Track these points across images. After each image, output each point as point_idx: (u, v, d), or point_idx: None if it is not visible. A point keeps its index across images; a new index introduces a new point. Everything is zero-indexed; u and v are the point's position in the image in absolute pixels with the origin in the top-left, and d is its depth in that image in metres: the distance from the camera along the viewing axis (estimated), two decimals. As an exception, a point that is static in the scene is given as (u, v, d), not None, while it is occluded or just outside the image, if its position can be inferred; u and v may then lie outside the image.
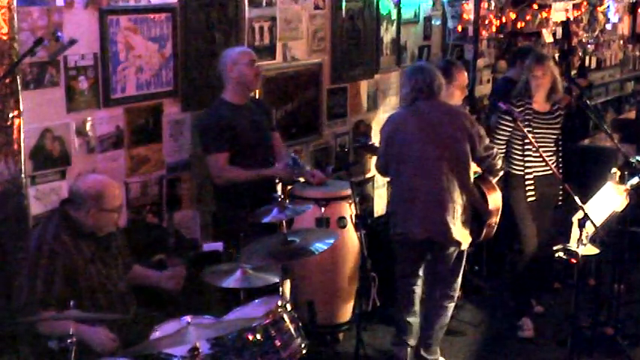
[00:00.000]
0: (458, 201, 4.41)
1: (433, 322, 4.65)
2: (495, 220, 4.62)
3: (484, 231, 4.61)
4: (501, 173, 4.69)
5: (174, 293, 3.94)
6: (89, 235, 3.64)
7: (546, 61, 5.08)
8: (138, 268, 3.99)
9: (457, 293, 4.72)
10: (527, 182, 5.07)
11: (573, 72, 9.14)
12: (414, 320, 4.72)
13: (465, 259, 4.65)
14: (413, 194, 4.44)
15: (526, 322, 5.24)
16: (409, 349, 4.71)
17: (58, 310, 3.37)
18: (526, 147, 5.00)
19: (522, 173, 5.08)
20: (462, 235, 4.45)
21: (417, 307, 4.72)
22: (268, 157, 4.66)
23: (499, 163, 4.60)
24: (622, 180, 4.50)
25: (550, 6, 8.46)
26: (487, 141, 4.55)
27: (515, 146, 5.08)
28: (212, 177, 4.61)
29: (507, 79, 6.25)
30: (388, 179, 4.62)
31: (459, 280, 4.69)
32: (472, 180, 4.49)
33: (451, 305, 4.70)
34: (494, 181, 4.62)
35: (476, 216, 4.55)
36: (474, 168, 4.56)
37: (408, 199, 4.47)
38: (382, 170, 4.75)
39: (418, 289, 4.71)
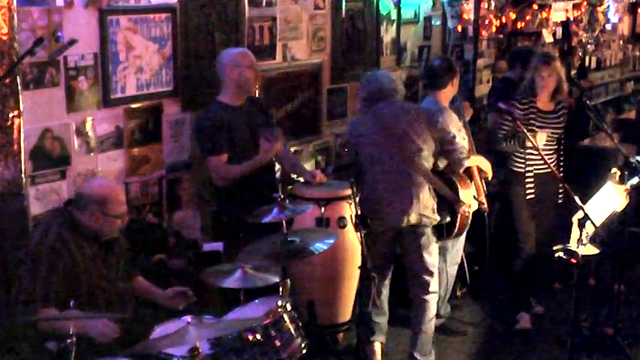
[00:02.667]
0: (422, 189, 4.51)
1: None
2: (467, 210, 4.78)
3: (458, 220, 4.73)
4: (465, 164, 4.79)
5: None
6: (91, 236, 3.64)
7: (553, 62, 5.09)
8: (142, 282, 3.94)
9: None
10: (527, 180, 5.10)
11: (573, 72, 9.15)
12: (383, 320, 4.76)
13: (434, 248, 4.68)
14: (384, 191, 4.52)
15: (523, 316, 5.26)
16: (378, 344, 4.75)
17: (58, 309, 3.37)
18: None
19: (523, 171, 5.11)
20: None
21: (385, 306, 4.77)
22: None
23: (461, 156, 4.75)
24: (622, 180, 4.50)
25: (550, 6, 8.48)
26: (450, 136, 4.72)
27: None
28: (214, 179, 4.61)
29: (506, 80, 6.26)
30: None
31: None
32: (433, 170, 4.67)
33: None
34: (460, 171, 4.82)
35: (451, 208, 4.72)
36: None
37: (382, 195, 4.52)
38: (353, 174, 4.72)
39: (385, 290, 4.77)
